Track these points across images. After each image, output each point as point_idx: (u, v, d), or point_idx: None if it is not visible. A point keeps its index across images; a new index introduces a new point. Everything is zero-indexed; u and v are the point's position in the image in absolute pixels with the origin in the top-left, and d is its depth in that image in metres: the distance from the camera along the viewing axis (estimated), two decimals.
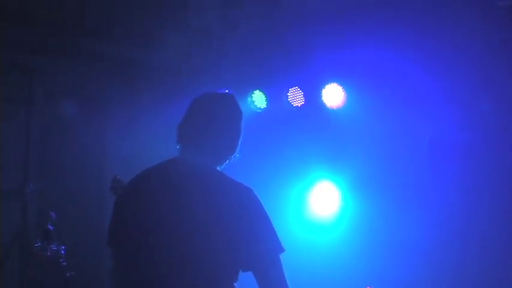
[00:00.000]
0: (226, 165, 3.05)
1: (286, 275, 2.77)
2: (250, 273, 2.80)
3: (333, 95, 6.65)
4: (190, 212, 2.76)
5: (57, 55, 7.64)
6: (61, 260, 5.04)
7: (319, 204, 6.82)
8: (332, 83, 6.63)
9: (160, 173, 2.94)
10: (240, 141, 3.04)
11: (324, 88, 6.66)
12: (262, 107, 7.12)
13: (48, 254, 4.99)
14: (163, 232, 2.77)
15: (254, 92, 7.10)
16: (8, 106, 7.39)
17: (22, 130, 7.34)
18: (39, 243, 5.02)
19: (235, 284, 2.82)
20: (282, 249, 2.79)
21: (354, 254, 6.32)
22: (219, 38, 7.85)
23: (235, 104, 3.08)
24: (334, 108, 6.66)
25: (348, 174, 6.59)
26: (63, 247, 5.08)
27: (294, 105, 6.92)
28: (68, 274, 5.04)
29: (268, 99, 7.13)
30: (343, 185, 6.65)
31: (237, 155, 3.05)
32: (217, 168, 3.00)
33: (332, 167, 6.74)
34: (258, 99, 7.10)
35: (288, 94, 6.91)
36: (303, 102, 6.89)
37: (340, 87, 6.60)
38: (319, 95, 6.68)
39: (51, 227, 5.08)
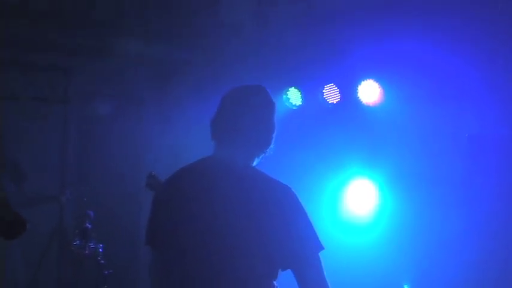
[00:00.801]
0: (261, 159, 3.01)
1: (325, 273, 2.72)
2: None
3: (369, 91, 6.56)
4: (229, 211, 2.74)
5: (92, 55, 7.70)
6: (99, 258, 5.06)
7: (356, 203, 6.73)
8: (368, 79, 6.54)
9: (198, 172, 2.92)
10: (274, 134, 2.99)
11: (360, 84, 6.57)
12: (297, 104, 7.05)
13: (86, 252, 5.03)
14: (202, 231, 2.75)
15: (289, 89, 7.04)
16: (44, 106, 7.46)
17: (59, 130, 7.43)
18: (78, 242, 5.06)
19: (274, 281, 2.79)
20: (321, 247, 2.74)
21: (392, 254, 6.22)
22: (253, 35, 7.83)
23: (268, 96, 3.03)
24: (371, 104, 6.57)
25: (386, 172, 6.49)
26: (101, 245, 5.10)
27: (330, 102, 6.83)
28: (106, 272, 5.05)
29: (304, 96, 7.06)
30: (381, 184, 6.55)
31: (272, 148, 3.00)
32: (253, 163, 2.97)
33: (369, 165, 6.65)
34: (293, 96, 7.03)
35: (324, 91, 6.83)
36: (339, 99, 6.80)
37: (377, 83, 6.51)
38: (355, 92, 6.59)
39: (89, 226, 5.11)
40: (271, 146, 2.98)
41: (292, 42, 7.37)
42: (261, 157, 2.99)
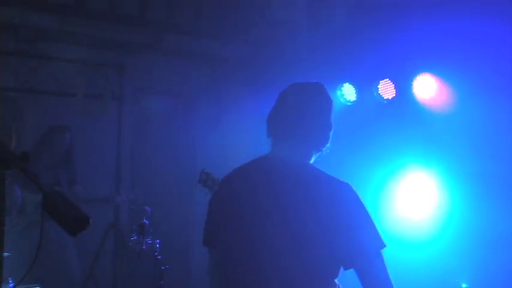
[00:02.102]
0: (318, 157, 2.96)
1: (388, 271, 2.68)
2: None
3: (425, 86, 6.45)
4: (289, 210, 2.70)
5: (146, 52, 7.76)
6: (156, 254, 5.09)
7: (413, 200, 6.63)
8: (424, 74, 6.44)
9: (255, 171, 2.89)
10: (331, 131, 2.94)
11: (415, 79, 6.47)
12: (351, 100, 6.98)
13: (144, 247, 5.06)
14: (261, 231, 2.73)
15: (343, 85, 6.97)
16: (99, 103, 7.55)
17: (113, 126, 7.51)
18: (135, 237, 5.09)
19: (336, 280, 2.75)
20: (383, 245, 2.69)
21: (450, 251, 6.11)
22: (306, 31, 7.79)
23: (325, 93, 2.98)
24: (427, 100, 6.46)
25: (444, 171, 6.37)
26: (158, 241, 5.13)
27: (385, 97, 6.74)
28: (163, 267, 5.08)
29: (358, 92, 6.98)
30: (439, 181, 6.44)
31: (329, 146, 2.95)
32: (310, 161, 2.92)
33: (426, 163, 6.53)
34: (348, 92, 6.97)
35: (379, 86, 6.74)
36: (394, 95, 6.70)
37: (433, 78, 6.40)
38: (411, 87, 6.49)
39: (146, 221, 5.14)
40: (328, 144, 2.94)
41: (345, 37, 7.30)
42: (317, 155, 2.95)
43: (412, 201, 6.63)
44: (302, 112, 2.88)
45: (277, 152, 2.89)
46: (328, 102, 2.96)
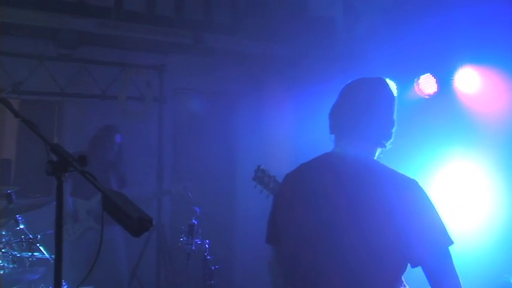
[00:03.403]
0: (380, 154, 2.93)
1: (456, 268, 2.64)
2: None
3: (468, 80, 6.37)
4: (355, 208, 2.67)
5: (184, 53, 7.79)
6: (205, 254, 5.10)
7: (459, 195, 6.54)
8: (466, 67, 6.35)
9: (320, 167, 2.87)
10: (394, 128, 2.90)
11: (457, 73, 6.38)
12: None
13: (193, 248, 5.07)
14: (326, 229, 2.70)
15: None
16: (140, 105, 7.60)
17: (155, 127, 7.55)
18: (184, 238, 5.10)
19: (402, 277, 2.73)
20: (450, 242, 2.65)
21: (497, 242, 6.02)
22: (343, 28, 7.75)
23: (388, 89, 2.95)
24: (470, 94, 6.38)
25: (489, 164, 6.28)
26: (207, 241, 5.14)
27: (426, 92, 6.67)
28: (213, 268, 5.09)
29: (399, 88, 6.90)
30: (486, 174, 6.34)
31: (391, 143, 2.92)
32: (374, 157, 2.89)
33: (473, 161, 6.43)
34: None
35: (420, 81, 6.67)
36: (436, 90, 6.62)
37: (475, 72, 6.31)
38: (452, 81, 6.40)
39: (195, 222, 5.15)
40: (391, 140, 2.91)
41: (382, 32, 7.25)
42: (380, 151, 2.92)
43: (458, 195, 6.54)
44: (365, 108, 2.85)
45: (341, 149, 2.87)
46: (391, 98, 2.93)
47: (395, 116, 2.91)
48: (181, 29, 7.36)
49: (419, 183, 2.72)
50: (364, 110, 2.85)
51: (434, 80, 6.62)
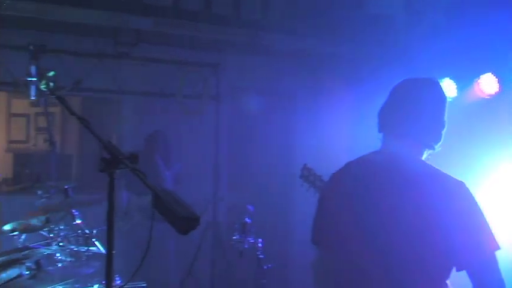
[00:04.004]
0: (428, 155, 2.88)
1: (502, 273, 2.58)
2: None
3: None
4: (401, 209, 2.63)
5: (241, 51, 7.81)
6: (258, 253, 5.11)
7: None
8: None
9: (366, 167, 2.84)
10: (444, 130, 2.85)
11: None
12: (452, 96, 6.79)
13: (246, 246, 5.08)
14: (372, 230, 2.68)
15: (443, 80, 6.78)
16: (197, 103, 7.66)
17: (212, 126, 7.60)
18: (237, 236, 5.12)
19: (447, 281, 2.67)
20: (498, 247, 2.59)
21: None
22: (402, 26, 7.65)
23: (440, 90, 2.89)
24: None
25: None
26: (260, 240, 5.14)
27: (487, 93, 6.52)
28: (265, 267, 5.09)
29: (458, 88, 6.78)
30: None
31: (440, 145, 2.87)
32: (421, 158, 2.84)
33: None
34: (448, 88, 6.77)
35: (480, 81, 6.53)
36: (497, 90, 6.47)
37: None
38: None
39: (248, 220, 5.16)
40: (440, 142, 2.86)
41: (443, 30, 7.13)
42: (429, 152, 2.87)
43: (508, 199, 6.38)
44: (414, 108, 2.82)
45: (389, 148, 2.85)
46: (442, 99, 2.88)
47: (446, 118, 2.86)
48: (238, 27, 7.37)
49: (468, 186, 2.66)
50: (413, 110, 2.82)
51: (496, 79, 6.49)
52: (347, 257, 2.76)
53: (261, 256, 5.11)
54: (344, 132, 8.03)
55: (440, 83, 2.92)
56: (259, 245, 5.12)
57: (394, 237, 2.62)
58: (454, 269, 2.65)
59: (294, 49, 7.84)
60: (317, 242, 2.94)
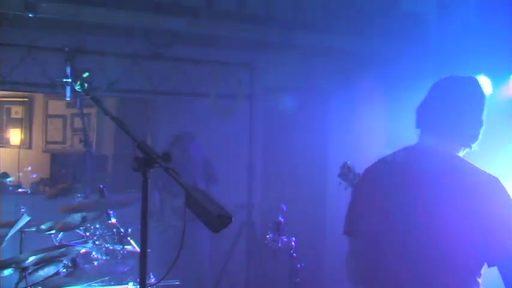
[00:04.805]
0: (465, 153, 2.87)
1: None
2: None
3: None
4: (435, 204, 2.63)
5: (275, 50, 7.82)
6: (291, 252, 5.11)
7: None
8: None
9: (401, 161, 2.84)
10: (482, 129, 2.84)
11: None
12: (488, 94, 6.69)
13: (280, 245, 5.08)
14: (405, 224, 2.68)
15: (478, 77, 6.69)
16: (231, 103, 7.69)
17: (246, 125, 7.63)
18: (271, 235, 5.13)
19: (479, 279, 2.66)
20: None
21: None
22: (435, 24, 7.58)
23: (478, 88, 2.89)
24: None
25: None
26: (293, 239, 5.15)
27: None
28: (299, 265, 5.10)
29: (492, 85, 6.69)
30: None
31: (477, 143, 2.85)
32: (457, 154, 2.84)
33: None
34: (485, 85, 6.69)
35: None
36: None
37: None
38: None
39: (282, 219, 5.17)
40: (477, 141, 2.85)
41: (477, 29, 7.05)
42: (465, 151, 2.87)
43: None
44: (453, 106, 2.83)
45: (424, 143, 2.85)
46: (481, 97, 2.88)
47: (484, 116, 2.84)
48: (271, 26, 7.39)
49: (502, 182, 2.64)
50: (452, 108, 2.82)
51: None
52: (375, 251, 2.78)
53: (294, 255, 5.11)
54: (377, 130, 7.99)
55: (480, 82, 2.91)
56: (293, 243, 5.12)
57: (425, 232, 2.63)
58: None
59: (327, 47, 7.84)
60: (349, 233, 2.97)
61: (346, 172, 4.38)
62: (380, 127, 8.05)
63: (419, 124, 2.89)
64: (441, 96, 2.87)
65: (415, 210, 2.67)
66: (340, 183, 4.41)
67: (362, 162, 4.34)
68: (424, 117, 2.88)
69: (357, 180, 4.30)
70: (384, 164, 2.93)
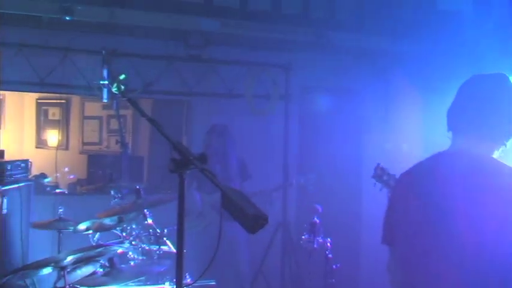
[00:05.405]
0: (500, 152, 2.81)
1: None
2: None
3: None
4: (474, 210, 2.57)
5: (309, 50, 7.81)
6: (327, 252, 5.10)
7: None
8: None
9: (437, 166, 2.79)
10: None
11: None
12: None
13: (315, 246, 5.08)
14: (445, 230, 2.63)
15: None
16: (267, 103, 7.70)
17: (281, 125, 7.63)
18: (306, 236, 5.13)
19: None
20: None
21: None
22: (471, 22, 7.49)
23: (510, 85, 2.80)
24: None
25: None
26: (329, 239, 5.14)
27: None
28: (334, 266, 5.09)
29: None
30: None
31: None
32: (493, 155, 2.78)
33: None
34: None
35: None
36: None
37: None
38: None
39: (317, 220, 5.16)
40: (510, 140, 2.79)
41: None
42: (500, 150, 2.80)
43: None
44: (484, 105, 2.75)
45: (459, 147, 2.80)
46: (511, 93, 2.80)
47: None
48: (306, 27, 7.38)
49: None
50: (483, 108, 2.75)
51: None
52: (414, 258, 2.73)
53: (330, 256, 5.11)
54: (413, 131, 7.94)
55: (507, 76, 2.83)
56: (328, 244, 5.12)
57: (465, 239, 2.56)
58: None
59: (362, 47, 7.80)
60: (387, 242, 2.93)
61: (379, 174, 4.36)
62: (414, 127, 8.00)
63: (450, 127, 2.84)
64: (470, 96, 2.81)
65: (451, 217, 2.62)
66: (375, 184, 4.39)
67: (396, 162, 4.32)
68: (455, 119, 2.83)
69: (392, 181, 4.27)
70: (420, 169, 2.88)
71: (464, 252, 2.56)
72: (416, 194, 2.80)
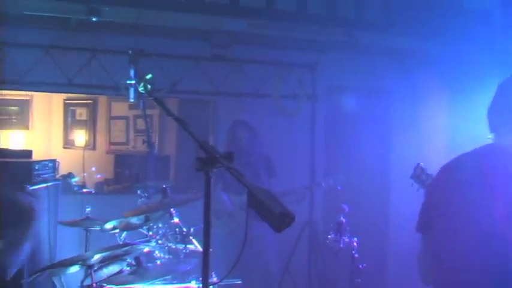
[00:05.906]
0: None
1: None
2: None
3: None
4: None
5: (336, 50, 7.79)
6: (353, 252, 5.09)
7: None
8: None
9: (476, 160, 2.82)
10: None
11: None
12: None
13: (341, 245, 5.06)
14: (480, 223, 2.65)
15: None
16: (293, 103, 7.70)
17: (308, 125, 7.63)
18: (333, 235, 5.11)
19: None
20: None
21: None
22: (499, 21, 7.42)
23: None
24: None
25: None
26: (355, 239, 5.12)
27: None
28: (360, 266, 5.07)
29: None
30: None
31: None
32: None
33: None
34: None
35: None
36: None
37: None
38: None
39: (343, 219, 5.15)
40: None
41: None
42: None
43: None
44: None
45: (500, 142, 2.81)
46: None
47: None
48: (333, 27, 7.35)
49: None
50: None
51: None
52: (453, 248, 2.75)
53: (356, 255, 5.09)
54: (441, 130, 7.88)
55: None
56: (355, 244, 5.10)
57: (502, 233, 2.58)
58: None
59: (389, 47, 7.77)
60: (422, 230, 2.95)
61: (419, 173, 4.31)
62: (443, 127, 7.93)
63: (492, 128, 2.85)
64: (508, 96, 2.82)
65: (491, 211, 2.63)
66: (412, 184, 4.35)
67: (425, 163, 4.30)
68: (495, 120, 2.84)
69: (430, 181, 4.24)
70: (462, 162, 2.89)
71: (505, 244, 2.58)
72: (458, 185, 2.81)
